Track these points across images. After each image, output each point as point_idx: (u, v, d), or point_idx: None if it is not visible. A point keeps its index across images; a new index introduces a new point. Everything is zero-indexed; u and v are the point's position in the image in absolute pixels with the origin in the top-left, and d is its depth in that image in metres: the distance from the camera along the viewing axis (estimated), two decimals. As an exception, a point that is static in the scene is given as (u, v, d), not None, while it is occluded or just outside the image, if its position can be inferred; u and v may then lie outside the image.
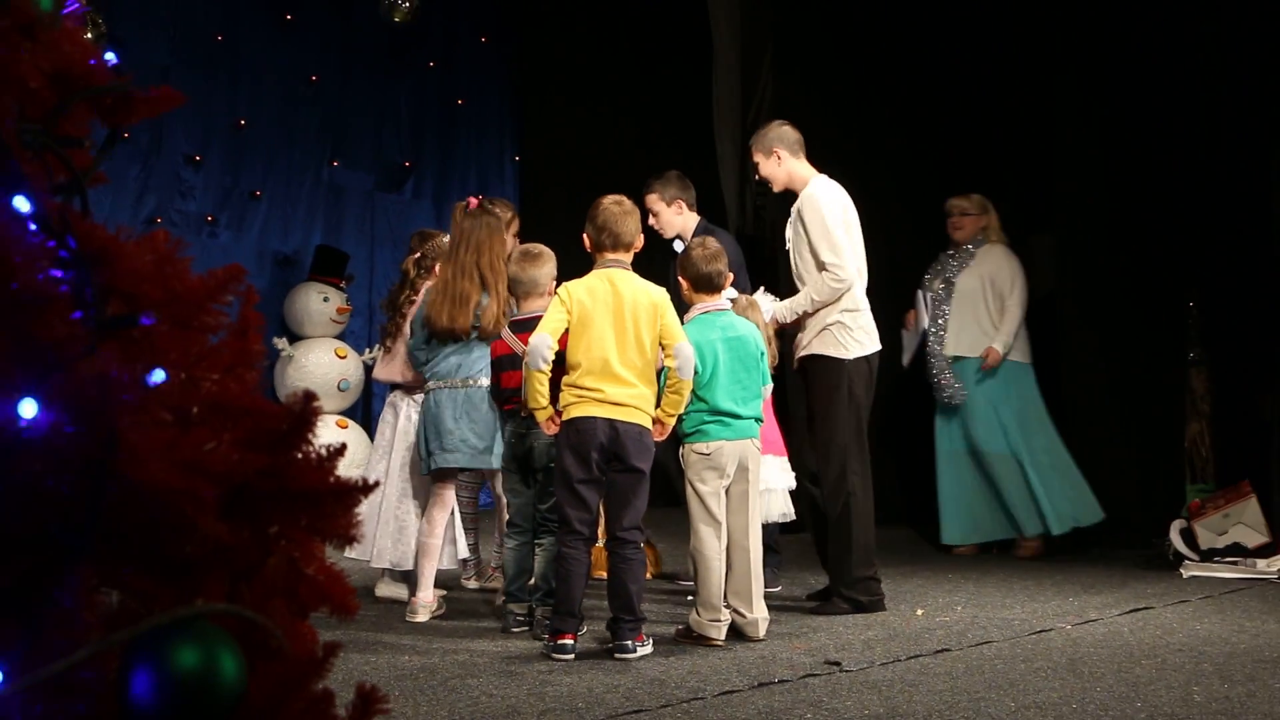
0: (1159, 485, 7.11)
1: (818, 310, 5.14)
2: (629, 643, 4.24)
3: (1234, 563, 6.06)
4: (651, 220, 5.81)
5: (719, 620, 4.46)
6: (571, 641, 4.25)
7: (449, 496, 5.13)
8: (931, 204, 8.31)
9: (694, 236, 5.62)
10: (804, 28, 8.16)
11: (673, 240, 5.91)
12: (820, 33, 8.12)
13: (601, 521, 4.65)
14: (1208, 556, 6.15)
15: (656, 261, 5.77)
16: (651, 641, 4.35)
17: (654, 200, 5.86)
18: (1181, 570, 6.05)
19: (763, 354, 4.70)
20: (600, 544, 4.95)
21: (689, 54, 8.91)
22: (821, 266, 5.10)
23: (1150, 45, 7.18)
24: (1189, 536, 6.28)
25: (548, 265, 4.82)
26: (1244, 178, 6.82)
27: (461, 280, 4.92)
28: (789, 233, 5.33)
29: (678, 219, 5.86)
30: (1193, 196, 7.12)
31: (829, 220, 5.13)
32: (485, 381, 4.97)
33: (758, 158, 5.35)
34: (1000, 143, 8.59)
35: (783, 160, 5.29)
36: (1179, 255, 7.22)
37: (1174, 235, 7.19)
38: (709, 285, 4.67)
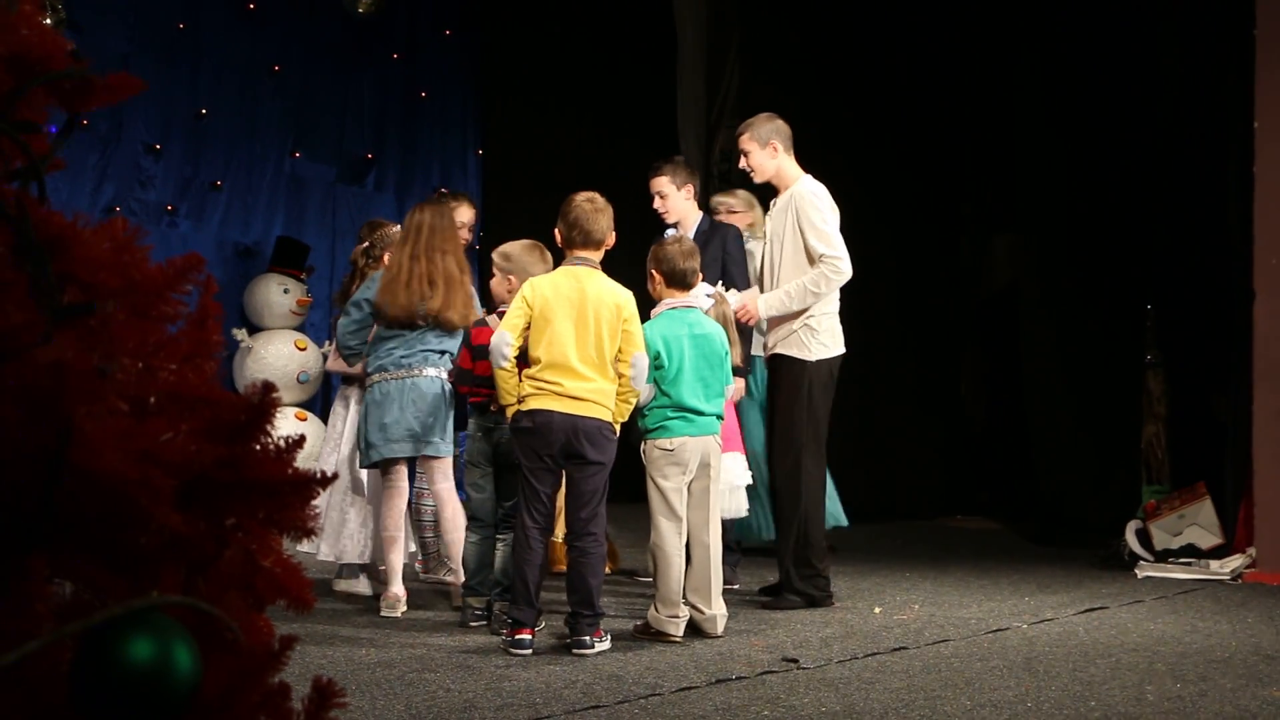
0: (1115, 486, 7.20)
1: (808, 305, 5.15)
2: (586, 638, 4.24)
3: (1188, 563, 6.14)
4: (657, 203, 5.74)
5: (678, 616, 4.46)
6: (529, 636, 4.25)
7: (403, 486, 5.08)
8: (894, 203, 8.37)
9: (697, 232, 5.63)
10: (769, 25, 8.18)
11: (672, 226, 5.77)
12: (785, 31, 8.15)
13: (561, 516, 4.65)
14: (1162, 557, 6.23)
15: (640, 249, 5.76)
16: (610, 637, 4.35)
17: (664, 183, 5.74)
18: (1136, 571, 6.11)
19: (727, 353, 4.72)
20: (559, 539, 4.95)
21: (653, 49, 8.91)
22: (814, 260, 5.13)
23: (1112, 48, 7.26)
24: (1144, 537, 6.35)
25: (536, 257, 4.85)
26: (1202, 182, 6.91)
27: (424, 264, 4.87)
28: (770, 227, 5.34)
29: (686, 204, 5.76)
30: (1151, 200, 7.21)
31: (827, 215, 5.20)
32: (430, 371, 4.95)
33: (750, 147, 5.32)
34: (962, 142, 8.66)
35: (778, 153, 5.31)
36: (1137, 258, 7.31)
37: (1132, 238, 7.28)
38: (681, 281, 4.68)
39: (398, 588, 4.95)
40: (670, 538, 4.50)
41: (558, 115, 9.17)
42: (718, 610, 4.56)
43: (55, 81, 1.76)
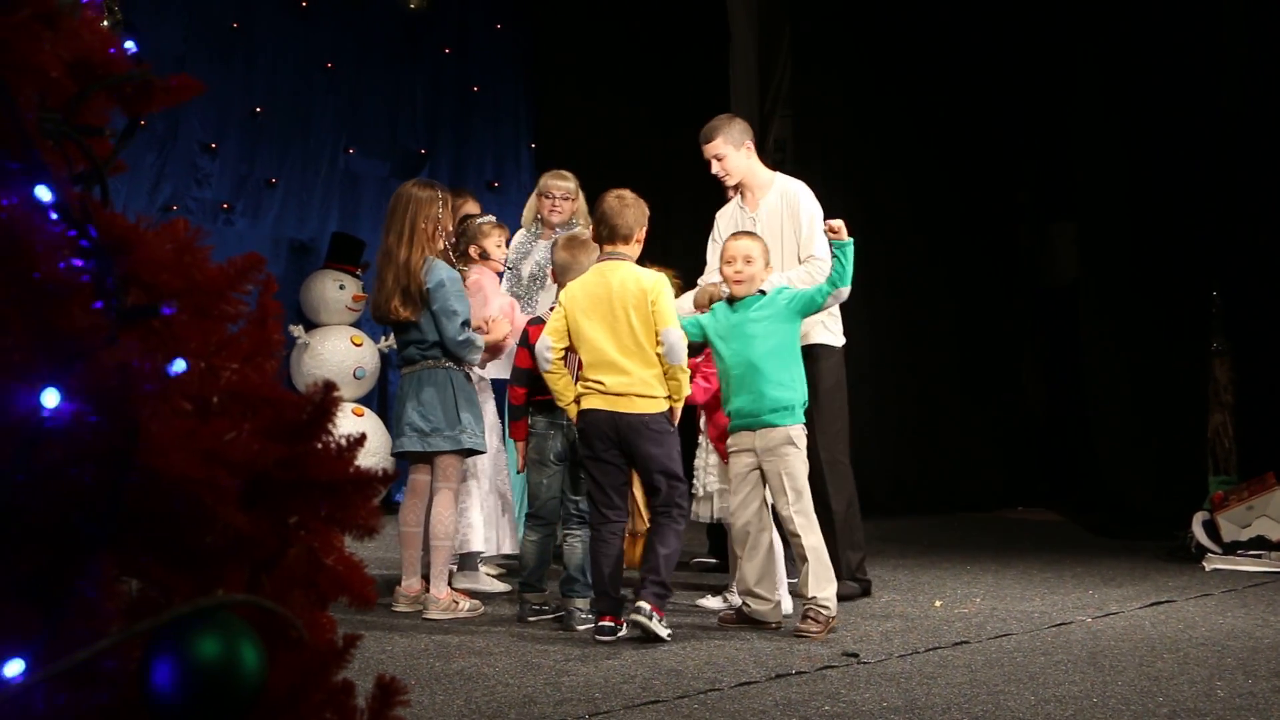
0: (1180, 476, 7.07)
1: None
2: (646, 605, 4.28)
3: (1258, 556, 6.02)
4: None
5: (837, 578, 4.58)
6: (612, 623, 4.34)
7: (422, 484, 4.96)
8: (950, 192, 8.28)
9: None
10: (821, 14, 8.12)
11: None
12: (837, 19, 8.08)
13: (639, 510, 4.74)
14: (1231, 549, 6.12)
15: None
16: (667, 633, 4.34)
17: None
18: (1204, 563, 6.01)
19: None
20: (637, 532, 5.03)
21: (705, 40, 8.87)
22: (806, 258, 5.06)
23: (1172, 29, 7.11)
24: (1211, 529, 6.24)
25: (594, 253, 4.86)
26: (1268, 166, 6.76)
27: (385, 265, 4.82)
28: (758, 227, 5.08)
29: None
30: (1217, 184, 7.06)
31: (820, 216, 5.10)
32: (435, 364, 4.85)
33: (725, 150, 5.13)
34: (1018, 129, 8.54)
35: (751, 154, 5.21)
36: (1202, 244, 7.16)
37: (1197, 223, 7.13)
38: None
39: (410, 582, 4.88)
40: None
41: (610, 107, 9.16)
42: (779, 597, 4.59)
43: (117, 85, 1.77)
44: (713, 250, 5.24)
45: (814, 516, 4.51)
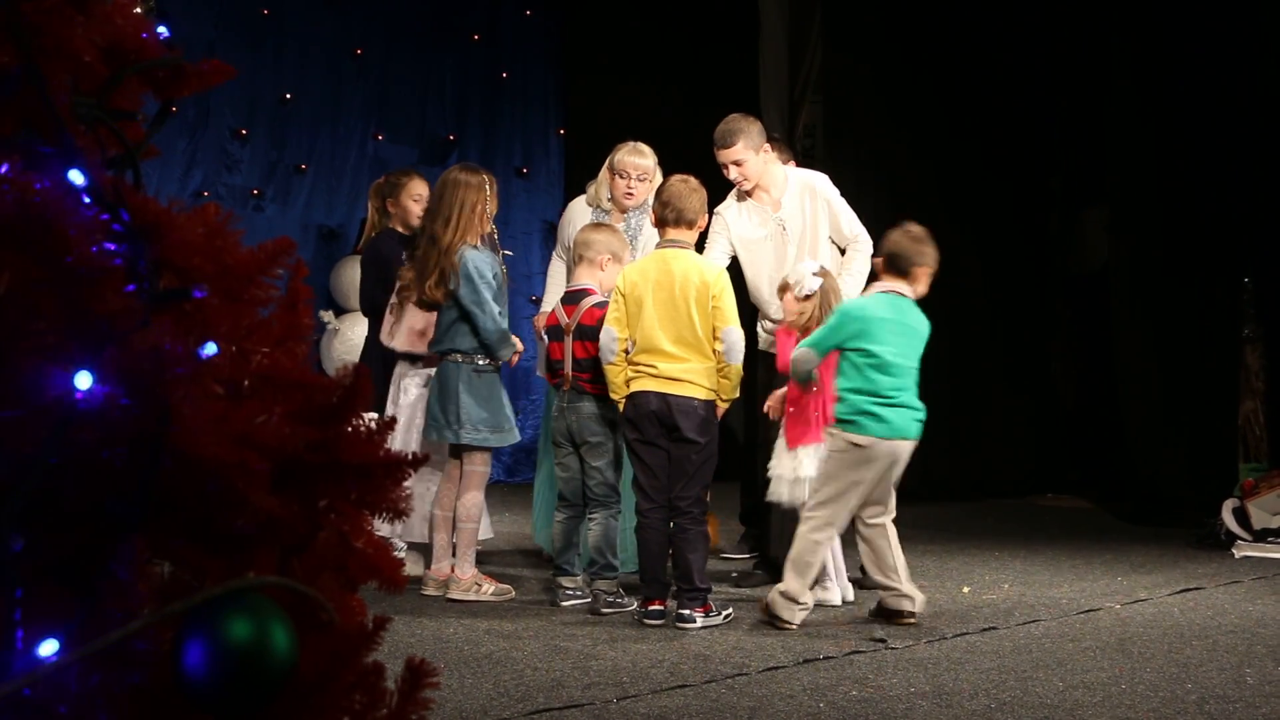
0: (1211, 463, 7.01)
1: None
2: (687, 612, 4.33)
3: (1288, 543, 5.98)
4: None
5: (807, 607, 4.35)
6: (661, 607, 4.38)
7: (453, 471, 4.97)
8: (981, 178, 8.22)
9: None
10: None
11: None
12: (868, 3, 8.02)
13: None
14: (1261, 537, 6.07)
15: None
16: (724, 615, 4.38)
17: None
18: (1234, 550, 5.97)
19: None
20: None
21: (735, 25, 8.81)
22: (849, 240, 5.03)
23: (1206, 13, 7.03)
24: (1242, 516, 6.19)
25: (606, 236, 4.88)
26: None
27: (430, 249, 4.82)
28: (779, 222, 5.03)
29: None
30: (1249, 170, 6.99)
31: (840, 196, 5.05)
32: (452, 355, 4.84)
33: (745, 155, 4.91)
34: (1050, 114, 8.47)
35: (768, 154, 5.03)
36: (1234, 229, 7.09)
37: (1229, 209, 7.06)
38: (897, 268, 4.42)
39: (439, 566, 4.91)
40: (827, 530, 4.36)
41: (640, 93, 9.12)
42: (917, 593, 4.41)
43: (149, 69, 1.79)
44: (724, 248, 5.08)
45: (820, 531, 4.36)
